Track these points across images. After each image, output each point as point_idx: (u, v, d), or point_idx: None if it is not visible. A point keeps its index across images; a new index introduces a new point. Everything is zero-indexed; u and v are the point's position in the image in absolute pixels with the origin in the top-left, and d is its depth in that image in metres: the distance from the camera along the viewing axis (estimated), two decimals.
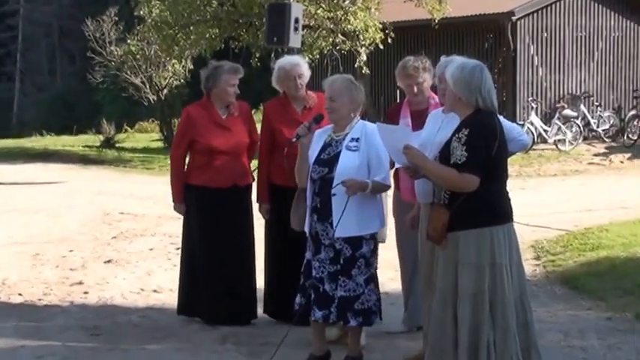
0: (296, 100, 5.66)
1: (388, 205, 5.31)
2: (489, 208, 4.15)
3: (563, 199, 11.46)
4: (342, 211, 4.66)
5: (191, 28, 17.50)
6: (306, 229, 4.95)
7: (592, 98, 18.08)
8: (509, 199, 4.27)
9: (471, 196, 4.10)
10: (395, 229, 5.51)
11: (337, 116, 4.85)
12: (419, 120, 5.08)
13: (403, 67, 5.29)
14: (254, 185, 5.96)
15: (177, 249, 6.22)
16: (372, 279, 4.86)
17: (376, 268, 4.95)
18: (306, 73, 5.65)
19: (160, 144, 22.17)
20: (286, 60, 5.78)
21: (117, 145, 21.80)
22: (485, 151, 4.09)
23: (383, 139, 4.56)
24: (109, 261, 7.91)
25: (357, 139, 4.81)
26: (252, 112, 6.23)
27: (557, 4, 17.82)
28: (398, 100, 19.29)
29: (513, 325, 4.17)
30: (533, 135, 16.59)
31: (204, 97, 5.88)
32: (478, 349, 4.11)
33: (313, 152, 4.89)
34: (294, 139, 4.95)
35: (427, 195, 4.55)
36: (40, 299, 6.62)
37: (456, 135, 4.15)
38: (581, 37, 18.07)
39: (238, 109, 5.89)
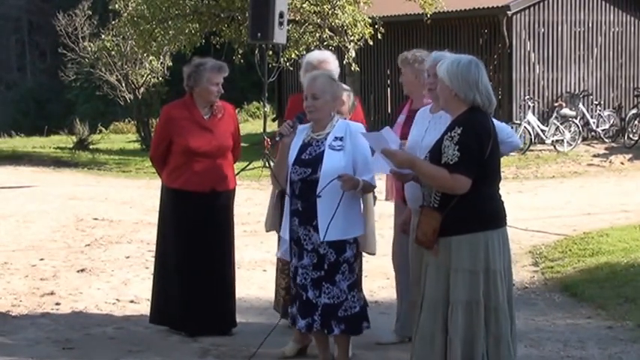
0: None
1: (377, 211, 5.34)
2: (482, 211, 4.16)
3: (561, 203, 11.52)
4: (332, 214, 4.67)
5: (169, 22, 17.47)
6: (286, 235, 4.96)
7: (591, 97, 18.17)
8: (503, 202, 4.28)
9: (463, 199, 4.11)
10: (393, 235, 5.55)
11: (319, 115, 4.85)
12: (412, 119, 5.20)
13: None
14: (237, 190, 5.98)
15: (155, 257, 6.20)
16: (356, 285, 4.89)
17: (358, 275, 4.97)
18: (334, 67, 5.54)
19: (136, 145, 22.12)
20: (314, 55, 5.72)
21: (91, 146, 21.75)
22: (478, 152, 4.10)
23: (374, 147, 4.62)
24: (82, 270, 7.87)
25: (341, 138, 4.82)
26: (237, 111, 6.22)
27: None
28: (389, 99, 19.48)
29: (507, 334, 4.18)
30: (530, 135, 16.67)
31: (187, 95, 5.86)
32: None
33: (292, 153, 4.88)
34: (277, 139, 4.94)
35: (418, 200, 4.57)
36: (8, 311, 6.57)
37: (448, 134, 4.16)
38: (579, 32, 18.17)
39: (222, 110, 5.87)
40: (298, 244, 4.87)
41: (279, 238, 5.52)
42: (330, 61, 5.57)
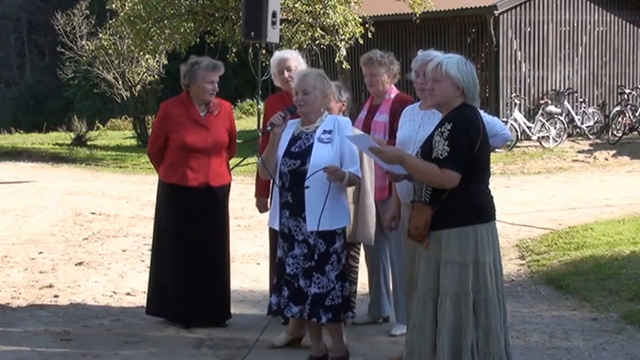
0: None
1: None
2: (472, 206, 4.15)
3: (547, 197, 11.52)
4: (322, 205, 4.69)
5: (165, 22, 17.42)
6: (275, 226, 4.95)
7: (576, 94, 18.19)
8: (492, 197, 4.27)
9: (453, 193, 4.10)
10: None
11: (309, 109, 4.89)
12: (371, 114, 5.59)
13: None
14: (231, 185, 5.97)
15: (151, 250, 6.18)
16: (342, 275, 4.91)
17: (350, 265, 4.99)
18: (295, 64, 5.63)
19: (133, 142, 22.06)
20: (275, 55, 5.82)
21: (89, 143, 21.68)
22: (467, 148, 4.09)
23: (360, 148, 4.64)
24: (80, 263, 7.84)
25: (330, 132, 4.86)
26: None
27: None
28: None
29: (496, 326, 4.17)
30: (516, 132, 16.67)
31: (184, 93, 5.85)
32: (461, 351, 4.11)
33: (281, 146, 4.91)
34: (268, 129, 4.94)
35: (410, 194, 4.59)
36: (7, 303, 6.54)
37: (439, 129, 4.15)
38: (565, 31, 18.18)
39: (219, 108, 5.86)
40: (288, 235, 4.88)
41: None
42: (290, 59, 5.67)
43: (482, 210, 4.19)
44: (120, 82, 21.94)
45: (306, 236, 4.81)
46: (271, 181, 5.01)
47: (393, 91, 5.61)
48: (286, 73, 5.63)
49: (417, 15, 16.92)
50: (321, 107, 4.91)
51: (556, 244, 8.20)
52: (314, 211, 4.73)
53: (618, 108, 17.57)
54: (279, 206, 4.90)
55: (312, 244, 4.81)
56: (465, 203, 4.12)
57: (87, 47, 22.58)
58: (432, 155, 4.11)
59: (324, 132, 4.85)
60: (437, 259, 4.15)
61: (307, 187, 4.74)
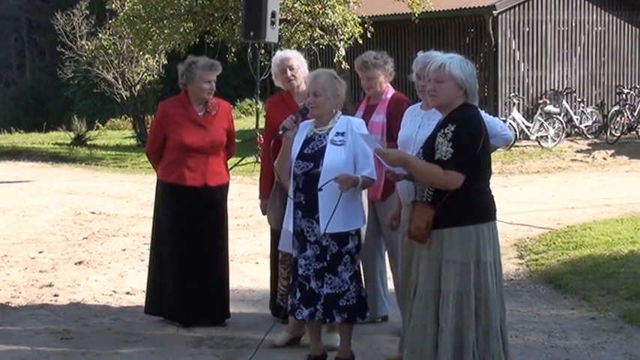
0: (299, 94, 5.60)
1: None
2: (474, 205, 4.14)
3: (546, 197, 11.52)
4: (334, 207, 4.66)
5: (165, 22, 17.42)
6: (290, 228, 4.94)
7: (574, 94, 18.19)
8: (493, 197, 4.27)
9: (455, 193, 4.09)
10: None
11: (321, 111, 4.86)
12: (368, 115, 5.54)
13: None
14: (230, 184, 5.96)
15: (150, 249, 6.17)
16: (356, 275, 4.90)
17: (359, 265, 4.99)
18: (297, 63, 5.62)
19: (132, 141, 22.05)
20: (277, 55, 5.80)
21: (88, 142, 21.67)
22: (471, 149, 4.08)
23: (368, 146, 4.64)
24: (80, 262, 7.84)
25: (343, 134, 4.83)
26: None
27: None
28: None
29: (496, 324, 4.17)
30: (515, 131, 16.67)
31: (182, 92, 5.85)
32: (463, 349, 4.11)
33: (295, 147, 4.88)
34: (280, 132, 4.92)
35: (411, 194, 4.58)
36: (8, 302, 6.54)
37: (442, 130, 4.13)
38: (563, 31, 18.18)
39: (217, 107, 5.86)
40: (301, 236, 4.86)
41: (272, 231, 5.51)
42: (292, 58, 5.65)
43: (483, 209, 4.19)
44: (120, 82, 21.93)
45: (318, 237, 4.79)
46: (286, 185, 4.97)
47: (390, 91, 5.60)
48: (288, 72, 5.61)
49: (416, 15, 16.91)
50: (333, 109, 4.87)
51: (554, 243, 8.20)
52: (326, 214, 4.70)
53: (617, 108, 17.57)
54: (292, 207, 4.89)
55: (325, 245, 4.79)
56: (467, 203, 4.12)
57: (87, 47, 22.58)
58: (435, 157, 4.10)
59: (337, 134, 4.82)
60: (438, 258, 4.15)
61: (320, 189, 4.72)
